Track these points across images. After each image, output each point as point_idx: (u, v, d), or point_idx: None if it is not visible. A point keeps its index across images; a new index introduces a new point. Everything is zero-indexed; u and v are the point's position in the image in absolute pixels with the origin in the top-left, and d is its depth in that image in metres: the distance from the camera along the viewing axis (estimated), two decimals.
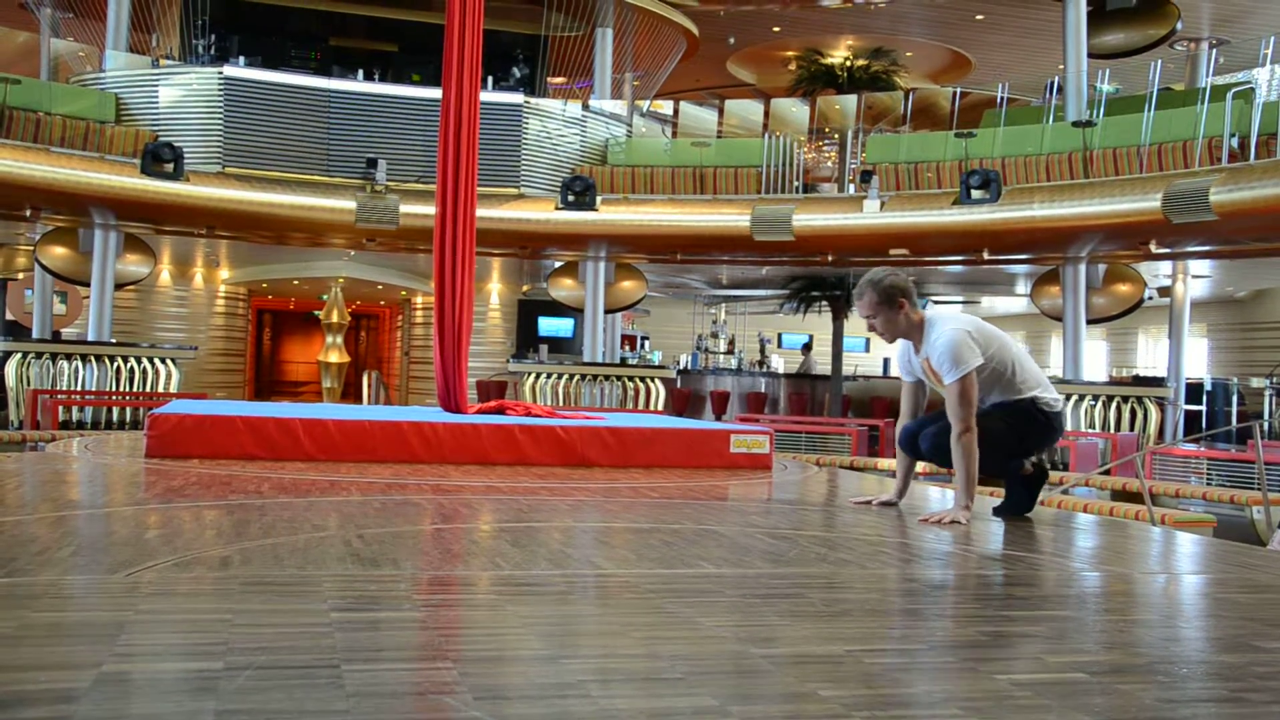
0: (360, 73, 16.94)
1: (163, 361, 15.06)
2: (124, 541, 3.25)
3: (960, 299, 24.20)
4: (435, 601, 2.62)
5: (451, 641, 2.17)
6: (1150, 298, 16.98)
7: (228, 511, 3.82)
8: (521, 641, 2.18)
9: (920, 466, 5.42)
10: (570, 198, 15.69)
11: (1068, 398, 14.64)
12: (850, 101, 19.18)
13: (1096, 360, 24.26)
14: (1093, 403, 14.51)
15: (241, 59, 16.31)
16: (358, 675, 1.78)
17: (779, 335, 26.37)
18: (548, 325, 20.71)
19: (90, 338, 15.19)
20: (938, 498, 5.71)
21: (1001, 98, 16.78)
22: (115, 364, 14.64)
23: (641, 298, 18.01)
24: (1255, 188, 12.27)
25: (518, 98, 16.45)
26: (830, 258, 16.11)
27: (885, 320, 4.32)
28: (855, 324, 26.23)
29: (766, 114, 19.03)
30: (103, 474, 5.25)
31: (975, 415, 4.19)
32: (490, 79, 16.12)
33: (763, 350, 23.56)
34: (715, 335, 23.54)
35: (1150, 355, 24.79)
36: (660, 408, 16.15)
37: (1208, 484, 11.80)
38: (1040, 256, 15.85)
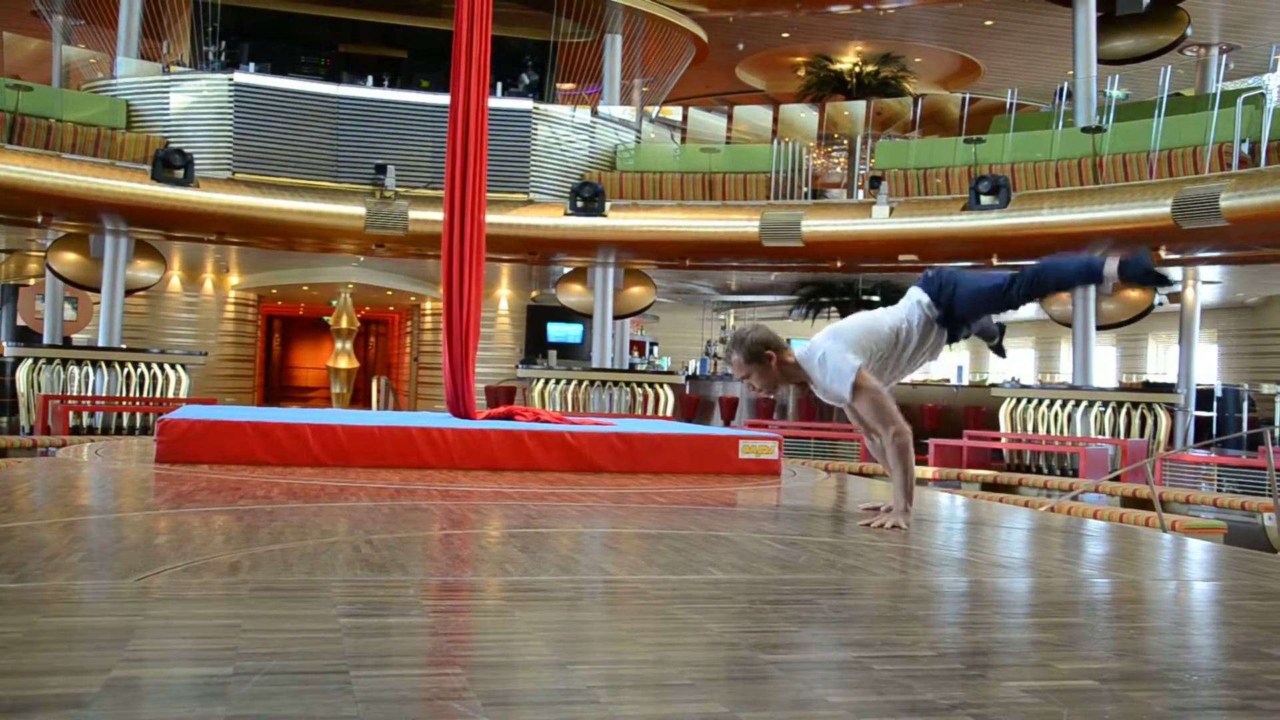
0: (369, 79, 16.98)
1: (173, 367, 15.10)
2: (134, 547, 3.25)
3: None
4: (444, 607, 2.62)
5: (460, 647, 2.17)
6: (1160, 304, 16.94)
7: (237, 517, 3.82)
8: (530, 647, 2.18)
9: (929, 472, 5.40)
10: (579, 204, 15.70)
11: (1077, 404, 14.61)
12: (859, 107, 19.18)
13: (1106, 366, 24.21)
14: (1102, 409, 14.47)
15: (251, 65, 16.37)
16: (367, 681, 1.79)
17: (788, 341, 26.35)
18: (556, 331, 20.72)
19: (101, 343, 15.23)
20: (946, 504, 5.70)
21: (1011, 104, 16.77)
22: (125, 370, 14.68)
23: (650, 304, 18.02)
24: (1266, 193, 12.24)
25: (527, 104, 16.47)
26: (839, 264, 16.11)
27: (759, 376, 4.20)
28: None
29: (775, 120, 19.04)
30: (113, 479, 5.27)
31: (897, 411, 4.07)
32: (499, 85, 16.15)
33: None
34: (724, 341, 23.54)
35: (1160, 361, 24.72)
36: (669, 413, 16.14)
37: (1218, 490, 11.76)
38: None
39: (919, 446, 14.86)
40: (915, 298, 4.25)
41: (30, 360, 14.43)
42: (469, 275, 7.61)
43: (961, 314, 4.29)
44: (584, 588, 2.85)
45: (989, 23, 19.30)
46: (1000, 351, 4.65)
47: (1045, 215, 13.99)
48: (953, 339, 4.39)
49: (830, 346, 4.06)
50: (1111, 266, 4.07)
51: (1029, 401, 15.02)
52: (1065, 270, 4.32)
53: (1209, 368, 22.14)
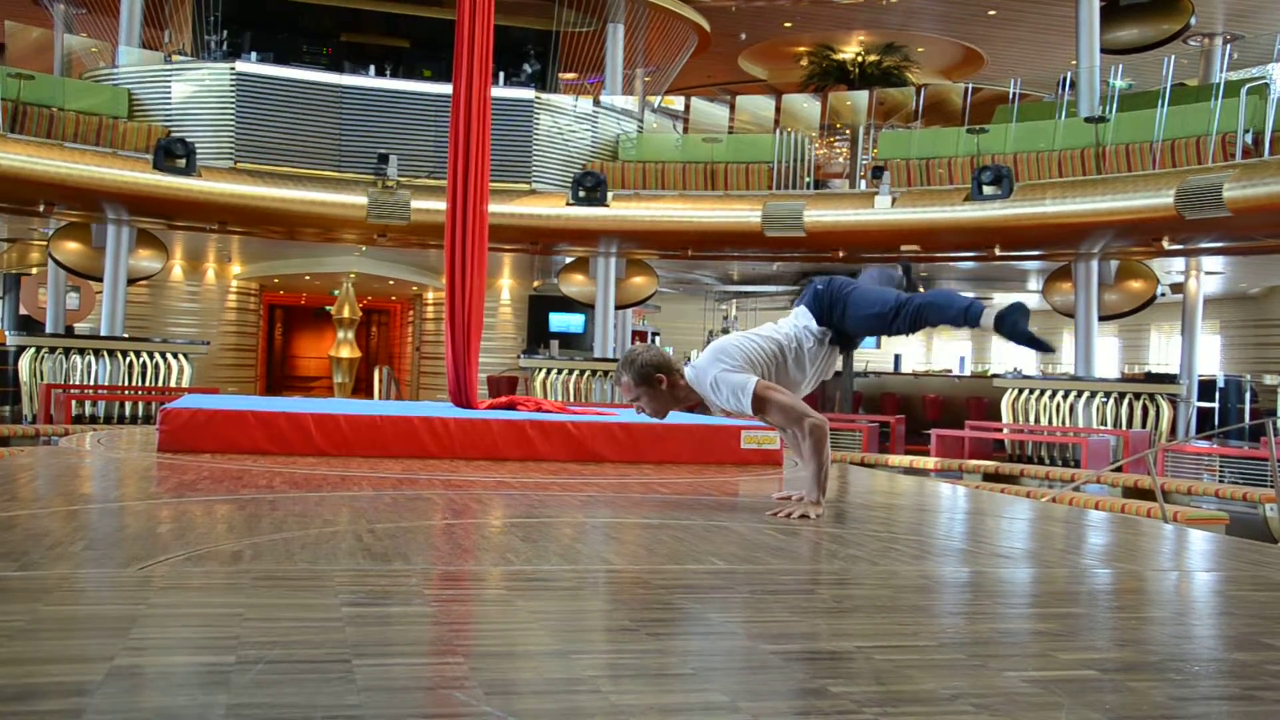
0: (372, 68, 16.96)
1: (175, 356, 15.11)
2: (136, 536, 3.26)
3: (972, 295, 24.12)
4: (446, 596, 2.62)
5: (462, 636, 2.17)
6: (1163, 294, 16.92)
7: (239, 506, 3.83)
8: (532, 637, 2.18)
9: (931, 463, 5.39)
10: (581, 193, 15.69)
11: (1079, 394, 14.61)
12: (862, 97, 19.13)
13: (1109, 357, 24.20)
14: (1104, 400, 14.47)
15: (254, 55, 16.35)
16: (369, 670, 1.79)
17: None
18: (558, 321, 20.72)
19: (103, 333, 15.25)
20: (948, 494, 5.71)
21: (1014, 93, 16.73)
22: (128, 359, 14.69)
23: (652, 293, 18.01)
24: (1269, 184, 12.21)
25: (529, 93, 16.45)
26: (842, 254, 16.09)
27: (649, 400, 4.13)
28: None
29: (778, 110, 18.99)
30: (115, 468, 5.27)
31: (805, 405, 4.04)
32: (501, 75, 16.13)
33: None
34: (726, 331, 23.53)
35: (1163, 352, 24.71)
36: None
37: (1220, 481, 11.77)
38: (1052, 253, 15.81)
39: (921, 437, 14.95)
40: (804, 322, 4.21)
41: (33, 349, 14.45)
42: (472, 265, 7.61)
43: (852, 335, 4.31)
44: (586, 577, 2.85)
45: (992, 12, 19.24)
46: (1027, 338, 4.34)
47: (1048, 206, 13.96)
48: (846, 351, 4.43)
49: (719, 369, 4.01)
50: (988, 318, 4.07)
51: (1031, 392, 15.02)
52: (947, 311, 4.25)
53: (1211, 358, 22.12)
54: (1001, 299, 24.87)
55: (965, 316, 4.15)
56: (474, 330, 7.58)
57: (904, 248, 15.48)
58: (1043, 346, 4.31)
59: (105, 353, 14.63)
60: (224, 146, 15.30)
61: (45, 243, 16.68)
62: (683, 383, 4.13)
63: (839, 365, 4.48)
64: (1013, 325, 4.08)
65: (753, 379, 3.98)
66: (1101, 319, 15.54)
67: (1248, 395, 18.93)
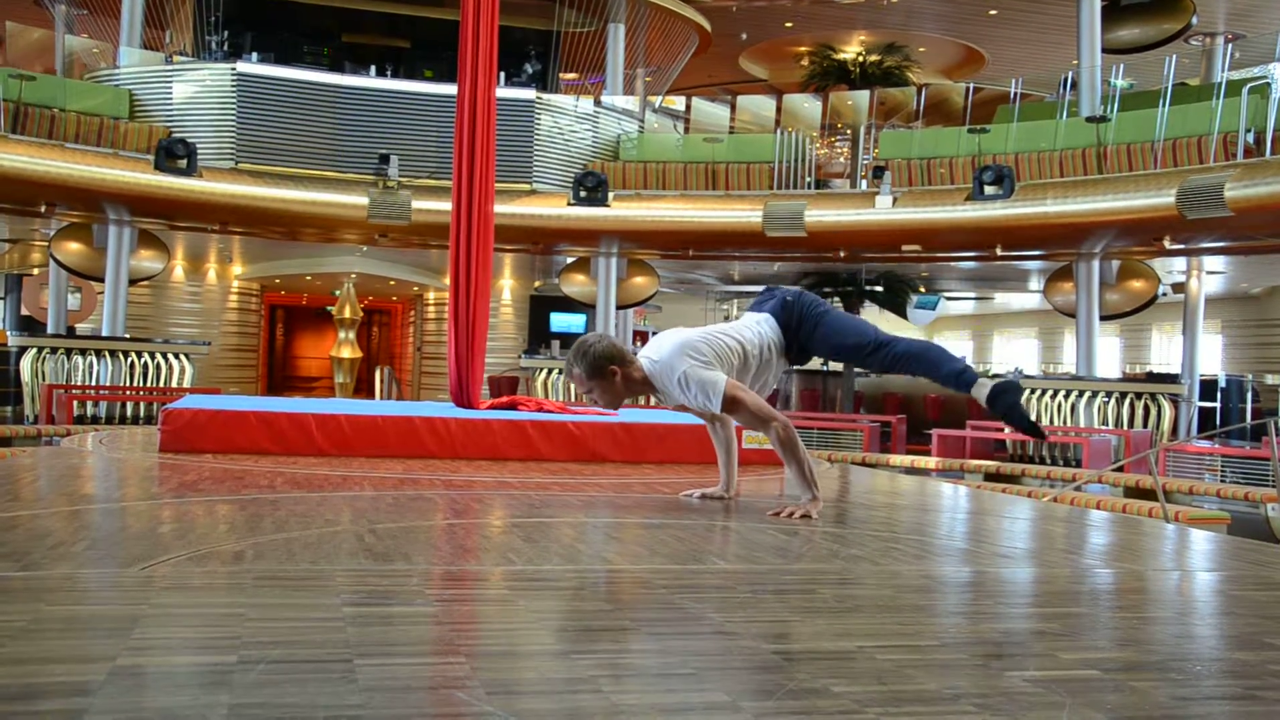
0: (373, 69, 16.97)
1: (176, 357, 15.12)
2: (138, 536, 3.26)
3: (973, 295, 24.14)
4: (447, 596, 2.62)
5: (463, 636, 2.17)
6: (1164, 294, 16.92)
7: (241, 506, 3.83)
8: (533, 636, 2.18)
9: (932, 463, 5.39)
10: (582, 193, 15.69)
11: (1081, 394, 14.60)
12: (863, 97, 19.14)
13: (1110, 357, 24.19)
14: (1106, 399, 14.46)
15: (254, 55, 16.37)
16: (371, 670, 1.79)
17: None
18: (559, 321, 20.72)
19: (104, 333, 15.26)
20: (950, 494, 5.71)
21: (1015, 93, 16.74)
22: (129, 359, 14.70)
23: (653, 293, 18.02)
24: (1271, 183, 12.21)
25: (530, 94, 16.45)
26: (843, 253, 16.10)
27: (602, 391, 4.04)
28: (868, 319, 26.21)
29: (779, 110, 19.00)
30: (117, 469, 5.27)
31: (770, 407, 4.01)
32: (502, 75, 16.12)
33: None
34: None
35: (1164, 352, 24.70)
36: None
37: (1222, 481, 11.76)
38: (1053, 253, 15.81)
39: (922, 436, 14.94)
40: (769, 331, 4.16)
41: (34, 350, 14.45)
42: (477, 266, 7.60)
43: (815, 352, 4.25)
44: (587, 577, 2.85)
45: (993, 12, 19.24)
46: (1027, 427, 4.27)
47: (1049, 205, 13.96)
48: (794, 364, 4.39)
49: (689, 364, 3.94)
50: (981, 390, 3.97)
51: (1032, 392, 15.02)
52: (937, 369, 4.08)
53: (1213, 358, 22.11)
54: (1002, 299, 24.84)
55: (957, 382, 4.03)
56: (479, 331, 7.57)
57: (905, 248, 15.48)
58: (1036, 432, 4.18)
59: (107, 353, 14.63)
60: (225, 147, 15.31)
61: (47, 243, 16.69)
62: (637, 374, 4.05)
63: (777, 380, 4.44)
64: (1009, 408, 3.99)
65: (724, 378, 3.92)
66: (1103, 319, 15.54)
67: (1249, 395, 18.93)
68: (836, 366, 21.11)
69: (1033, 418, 4.07)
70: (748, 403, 3.94)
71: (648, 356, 4.09)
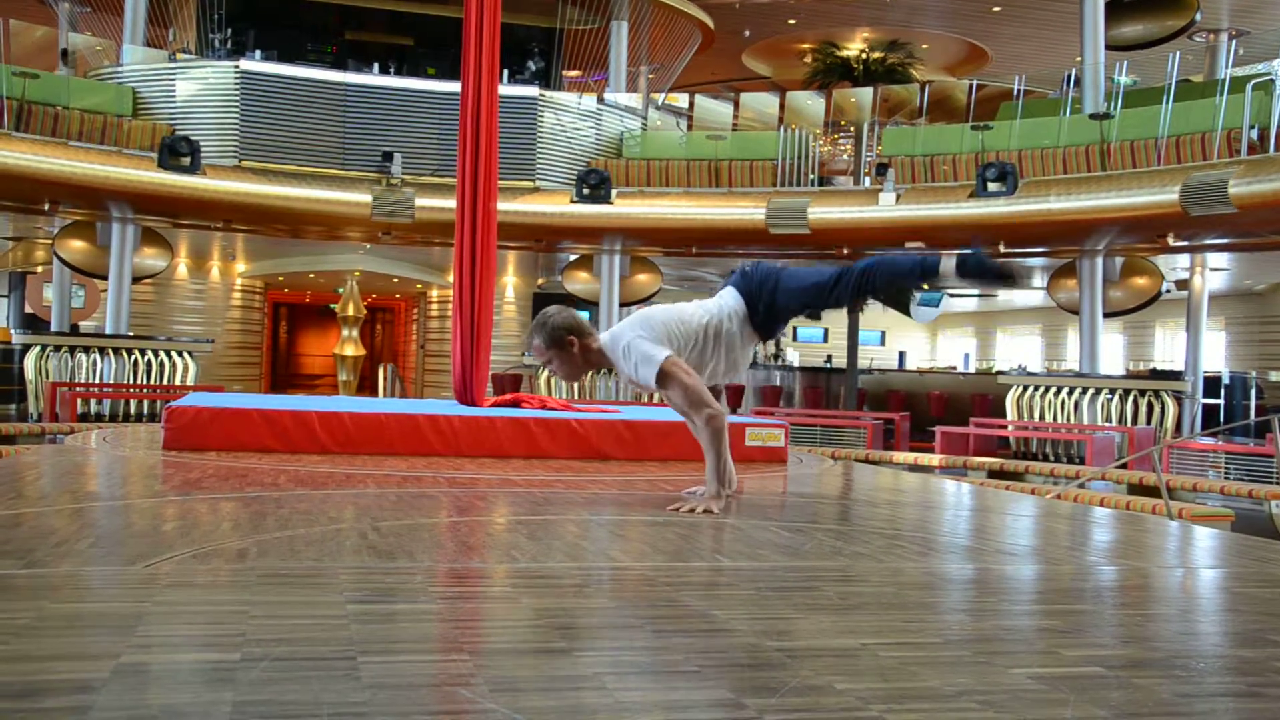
0: (376, 66, 16.97)
1: (180, 354, 15.14)
2: (142, 533, 3.26)
3: (975, 293, 24.10)
4: (451, 594, 2.62)
5: (467, 633, 2.17)
6: (1168, 291, 16.89)
7: (244, 504, 3.83)
8: (537, 634, 2.18)
9: (935, 460, 5.38)
10: (585, 191, 15.69)
11: (1084, 391, 14.59)
12: (866, 94, 19.13)
13: (1113, 354, 24.15)
14: (1109, 396, 14.45)
15: (258, 53, 16.37)
16: (374, 667, 1.79)
17: (794, 328, 26.34)
18: None
19: (108, 331, 15.28)
20: (953, 491, 5.70)
21: (1018, 90, 16.70)
22: (133, 357, 14.72)
23: (656, 291, 18.00)
24: (1275, 180, 12.19)
25: (533, 91, 16.45)
26: (846, 251, 16.08)
27: (560, 363, 4.09)
28: (871, 317, 26.19)
29: (782, 107, 18.98)
30: (121, 466, 5.28)
31: (709, 394, 3.97)
32: (505, 72, 16.13)
33: (778, 343, 23.54)
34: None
35: (1168, 349, 24.66)
36: None
37: (1225, 478, 11.75)
38: (1057, 249, 15.79)
39: (927, 434, 14.93)
40: (730, 301, 4.15)
41: (38, 347, 14.47)
42: (481, 263, 7.60)
43: (782, 312, 4.21)
44: (590, 574, 2.85)
45: (996, 9, 19.22)
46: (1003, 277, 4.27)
47: (1052, 202, 13.95)
48: (766, 338, 4.33)
49: (635, 335, 3.96)
50: (948, 264, 3.94)
51: (1036, 389, 15.01)
52: (898, 267, 4.08)
53: (1216, 355, 22.07)
54: (1005, 296, 24.80)
55: (922, 271, 4.04)
56: (483, 329, 7.57)
57: (908, 244, 15.46)
58: (1011, 272, 4.17)
59: (110, 351, 14.66)
60: (228, 145, 15.32)
61: (50, 241, 16.71)
62: (595, 346, 4.08)
63: (748, 364, 4.39)
64: (979, 263, 3.97)
65: (664, 351, 3.91)
66: (1106, 316, 15.52)
67: (1253, 392, 18.90)
68: (839, 364, 21.12)
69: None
70: (684, 381, 3.91)
71: (612, 330, 4.14)
